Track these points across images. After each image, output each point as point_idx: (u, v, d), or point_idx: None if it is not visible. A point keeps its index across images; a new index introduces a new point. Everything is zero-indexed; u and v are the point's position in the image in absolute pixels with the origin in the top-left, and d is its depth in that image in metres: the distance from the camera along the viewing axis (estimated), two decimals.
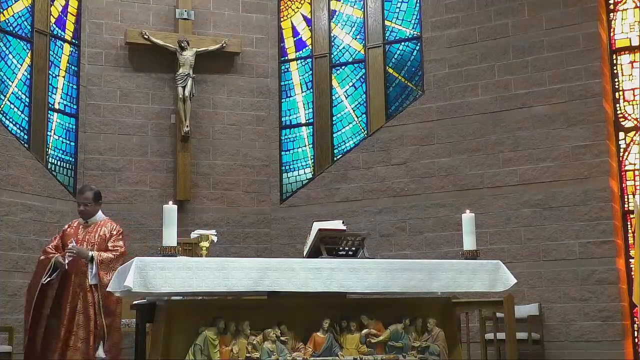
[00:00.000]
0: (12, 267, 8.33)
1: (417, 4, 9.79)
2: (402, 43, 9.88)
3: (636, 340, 8.32)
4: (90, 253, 5.88)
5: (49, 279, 5.85)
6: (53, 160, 9.25)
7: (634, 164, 8.60)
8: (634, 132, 8.63)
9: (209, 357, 4.65)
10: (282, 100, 10.43)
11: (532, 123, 8.74)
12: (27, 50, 9.14)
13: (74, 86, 9.65)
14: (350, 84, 10.15)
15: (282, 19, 10.59)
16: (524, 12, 8.95)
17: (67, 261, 5.85)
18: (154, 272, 4.44)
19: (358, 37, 10.18)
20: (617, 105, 8.72)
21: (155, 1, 10.10)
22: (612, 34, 8.87)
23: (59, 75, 9.50)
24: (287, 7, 10.62)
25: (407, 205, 9.27)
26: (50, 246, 6.08)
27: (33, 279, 6.01)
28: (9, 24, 8.98)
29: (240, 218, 9.97)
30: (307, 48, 10.46)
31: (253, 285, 4.65)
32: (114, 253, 5.97)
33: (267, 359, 4.77)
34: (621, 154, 8.68)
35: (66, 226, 6.25)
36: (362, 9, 10.19)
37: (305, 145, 10.28)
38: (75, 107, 9.61)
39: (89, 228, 6.11)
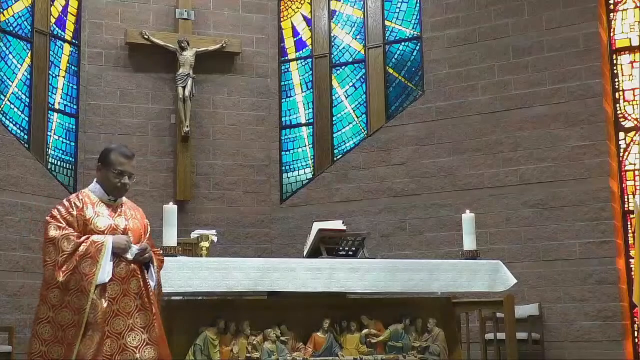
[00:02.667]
0: (12, 267, 8.31)
1: (417, 4, 9.78)
2: (402, 43, 9.87)
3: (636, 340, 8.32)
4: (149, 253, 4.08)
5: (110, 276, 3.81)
6: (53, 160, 9.25)
7: (634, 164, 8.59)
8: (634, 132, 8.63)
9: (209, 357, 4.66)
10: (282, 100, 10.42)
11: (532, 123, 8.73)
12: (27, 50, 9.13)
13: (74, 86, 9.64)
14: (350, 84, 10.14)
15: (282, 19, 10.58)
16: (524, 12, 8.94)
17: (134, 255, 3.96)
18: None
19: (358, 37, 10.17)
20: (617, 105, 8.71)
21: (155, 1, 10.10)
22: (612, 34, 8.86)
23: (59, 75, 9.49)
24: (287, 7, 10.61)
25: (407, 205, 9.26)
26: (70, 231, 4.06)
27: (72, 272, 3.83)
28: (9, 24, 8.97)
29: (240, 218, 9.96)
30: (307, 48, 10.45)
31: (253, 285, 4.66)
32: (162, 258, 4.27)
33: (267, 359, 4.77)
34: (621, 154, 8.67)
35: (76, 200, 4.15)
36: (362, 9, 10.18)
37: (305, 145, 10.27)
38: (75, 107, 9.61)
39: (121, 210, 4.23)
